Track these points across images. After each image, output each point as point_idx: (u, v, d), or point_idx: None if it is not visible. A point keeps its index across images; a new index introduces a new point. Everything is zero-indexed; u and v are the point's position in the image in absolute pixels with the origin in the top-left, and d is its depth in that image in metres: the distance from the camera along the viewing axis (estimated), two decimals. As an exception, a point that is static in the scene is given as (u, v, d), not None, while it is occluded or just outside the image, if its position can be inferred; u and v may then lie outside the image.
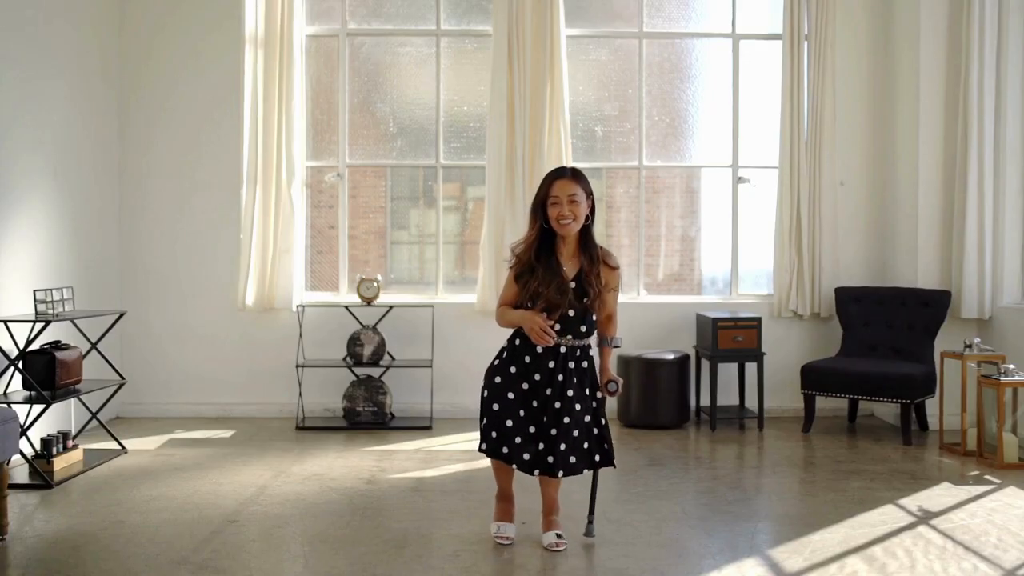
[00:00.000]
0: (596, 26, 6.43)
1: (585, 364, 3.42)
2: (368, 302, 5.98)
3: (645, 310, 6.28)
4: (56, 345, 4.79)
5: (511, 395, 3.38)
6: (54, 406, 4.94)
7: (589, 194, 3.40)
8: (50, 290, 4.75)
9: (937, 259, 5.85)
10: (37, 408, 4.75)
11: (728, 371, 6.19)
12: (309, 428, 5.81)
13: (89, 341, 5.24)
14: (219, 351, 6.19)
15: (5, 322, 4.56)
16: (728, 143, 6.45)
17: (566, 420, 3.31)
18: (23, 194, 5.01)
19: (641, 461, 4.96)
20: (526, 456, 3.35)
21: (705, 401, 6.08)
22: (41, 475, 4.41)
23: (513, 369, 3.41)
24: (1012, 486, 4.44)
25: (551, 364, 3.37)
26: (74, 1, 5.61)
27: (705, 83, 6.53)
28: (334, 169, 6.38)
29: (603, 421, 3.45)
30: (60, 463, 4.59)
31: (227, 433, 5.66)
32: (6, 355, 4.63)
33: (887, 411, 6.06)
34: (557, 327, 3.34)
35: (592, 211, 3.42)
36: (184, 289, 6.20)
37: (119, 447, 5.15)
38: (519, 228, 6.02)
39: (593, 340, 3.48)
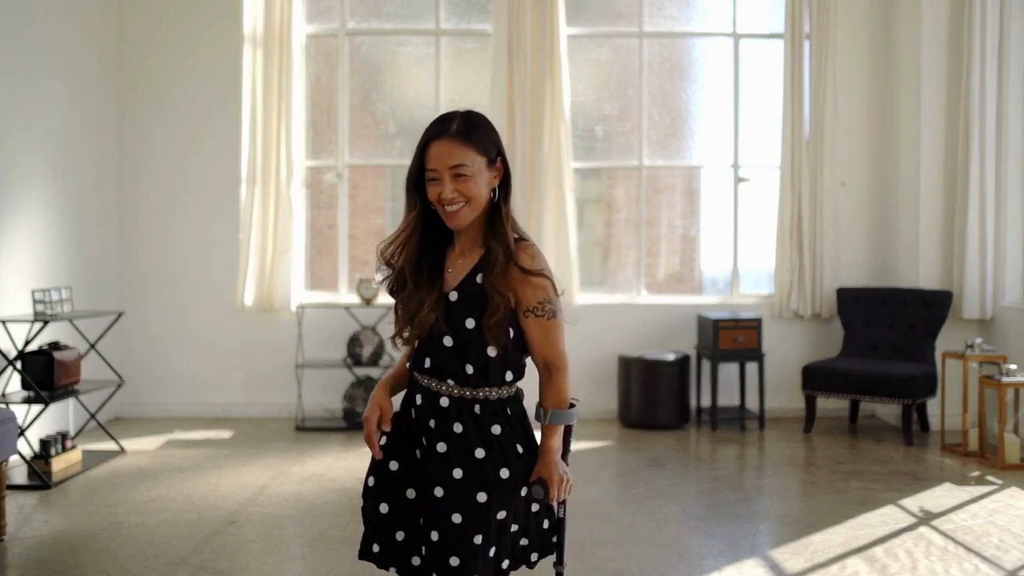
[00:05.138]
0: (596, 25, 6.42)
1: (496, 430, 2.03)
2: (368, 302, 5.96)
3: (645, 310, 6.27)
4: (55, 345, 4.77)
5: (395, 464, 2.10)
6: (52, 406, 4.93)
7: (495, 157, 2.04)
8: (49, 290, 4.74)
9: (938, 259, 5.83)
10: (35, 408, 4.74)
11: (729, 371, 6.17)
12: (309, 428, 5.80)
13: (88, 341, 5.23)
14: (218, 351, 6.18)
15: (4, 322, 4.55)
16: (729, 143, 6.43)
17: (439, 508, 2.01)
18: (22, 194, 5.00)
19: (641, 462, 4.95)
20: (416, 561, 2.09)
21: (706, 402, 6.07)
22: (39, 476, 4.40)
23: (405, 429, 2.12)
24: (1014, 487, 4.43)
25: (432, 423, 2.06)
26: (74, 1, 5.60)
27: (706, 83, 6.52)
28: (333, 169, 6.37)
29: (542, 521, 2.12)
30: (58, 464, 4.58)
31: (226, 434, 5.65)
32: (4, 355, 4.62)
33: (888, 411, 6.05)
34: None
35: (505, 182, 2.07)
36: (183, 289, 6.18)
37: (118, 448, 5.13)
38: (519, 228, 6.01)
39: (511, 391, 2.09)
